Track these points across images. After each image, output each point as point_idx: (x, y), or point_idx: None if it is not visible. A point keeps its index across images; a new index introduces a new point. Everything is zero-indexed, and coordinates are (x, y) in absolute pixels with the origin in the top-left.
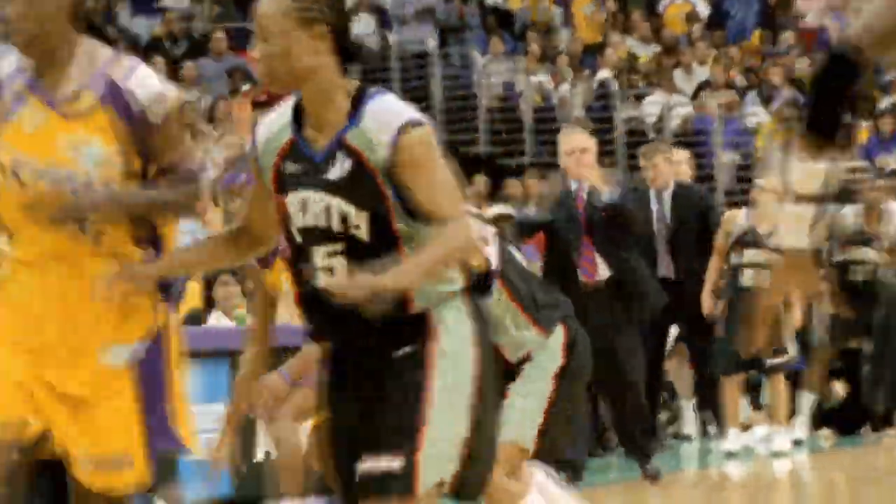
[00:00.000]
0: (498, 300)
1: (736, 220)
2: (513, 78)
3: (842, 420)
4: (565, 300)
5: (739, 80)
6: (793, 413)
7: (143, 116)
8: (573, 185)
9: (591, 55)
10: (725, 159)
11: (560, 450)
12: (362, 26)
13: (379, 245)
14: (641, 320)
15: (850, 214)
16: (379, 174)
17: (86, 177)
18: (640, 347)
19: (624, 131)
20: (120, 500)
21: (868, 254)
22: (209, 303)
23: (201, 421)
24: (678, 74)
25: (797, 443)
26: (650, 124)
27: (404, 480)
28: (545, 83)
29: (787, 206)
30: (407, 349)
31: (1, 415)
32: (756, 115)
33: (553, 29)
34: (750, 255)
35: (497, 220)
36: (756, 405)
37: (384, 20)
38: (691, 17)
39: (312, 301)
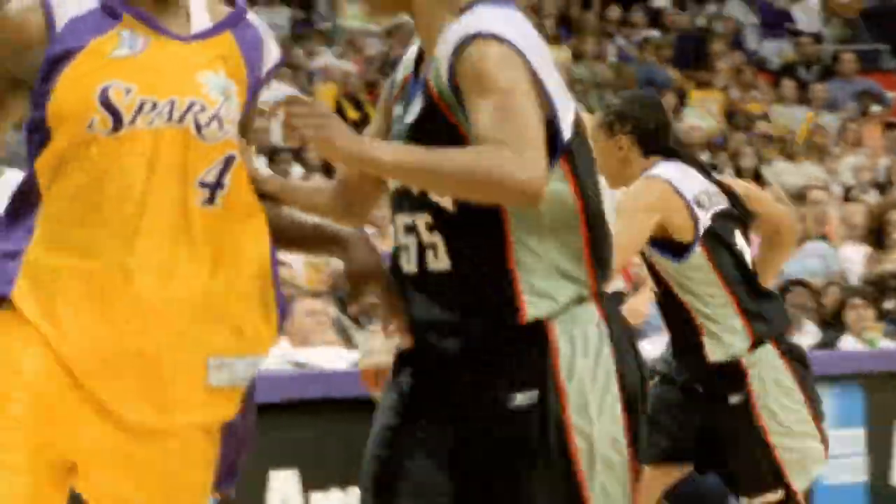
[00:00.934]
0: None
1: None
2: None
3: None
4: None
5: None
6: None
7: None
8: None
9: None
10: None
11: None
12: None
13: (468, 220)
14: None
15: None
16: (452, 112)
17: None
18: None
19: None
20: None
21: None
22: (839, 326)
23: (835, 445)
24: None
25: None
26: None
27: None
28: None
29: None
30: (525, 398)
31: None
32: None
33: None
34: None
35: None
36: None
37: None
38: None
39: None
